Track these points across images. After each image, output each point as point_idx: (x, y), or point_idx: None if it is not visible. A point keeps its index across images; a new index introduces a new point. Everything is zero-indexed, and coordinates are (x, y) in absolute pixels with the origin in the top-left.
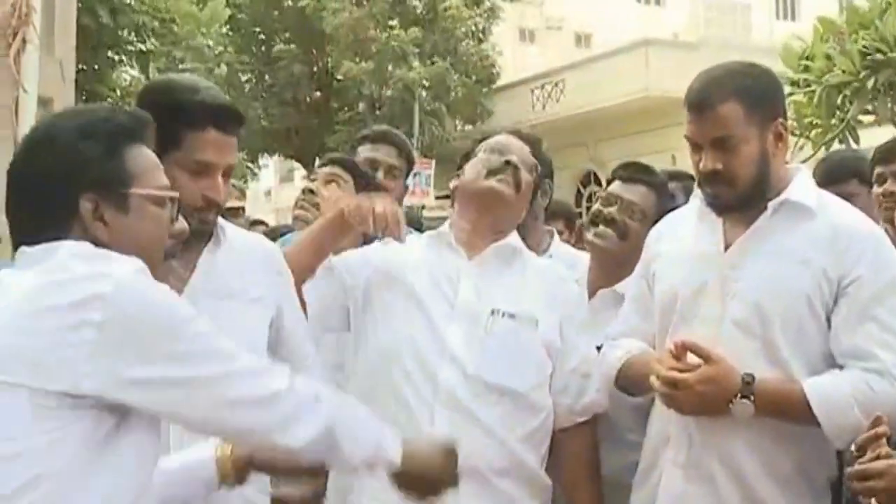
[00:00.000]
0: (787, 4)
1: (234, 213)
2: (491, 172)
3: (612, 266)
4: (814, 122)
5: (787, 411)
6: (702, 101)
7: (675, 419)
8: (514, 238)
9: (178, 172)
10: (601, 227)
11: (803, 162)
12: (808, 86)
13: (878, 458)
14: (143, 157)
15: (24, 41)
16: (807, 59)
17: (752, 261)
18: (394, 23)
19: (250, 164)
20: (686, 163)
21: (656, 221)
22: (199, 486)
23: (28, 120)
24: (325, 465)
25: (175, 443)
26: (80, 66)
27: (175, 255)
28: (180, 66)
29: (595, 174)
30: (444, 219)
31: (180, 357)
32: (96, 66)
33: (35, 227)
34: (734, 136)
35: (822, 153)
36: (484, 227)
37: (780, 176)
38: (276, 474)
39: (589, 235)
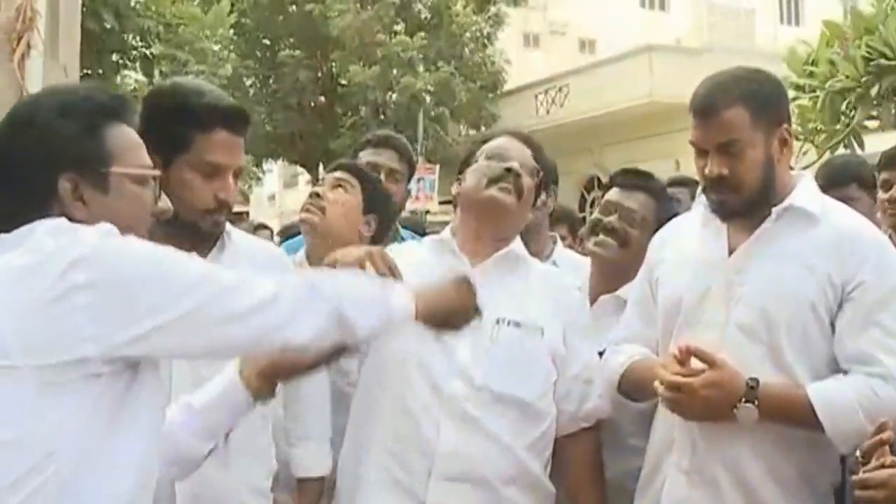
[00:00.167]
0: (791, 9)
1: (239, 218)
2: (492, 181)
3: (613, 273)
4: (818, 128)
5: (792, 416)
6: (708, 107)
7: (678, 424)
8: (517, 245)
9: (190, 174)
10: (601, 237)
11: (807, 167)
12: (813, 91)
13: (881, 466)
14: (124, 136)
15: (28, 46)
16: (812, 63)
17: (756, 266)
18: (399, 28)
19: (254, 169)
20: (690, 168)
21: (657, 226)
22: (235, 410)
23: None
24: (345, 348)
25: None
26: (84, 71)
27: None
28: (185, 70)
29: (599, 179)
30: (447, 223)
31: (173, 297)
32: (101, 71)
33: (14, 209)
34: (740, 141)
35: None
36: (487, 235)
37: (784, 182)
38: (304, 371)
39: (589, 245)
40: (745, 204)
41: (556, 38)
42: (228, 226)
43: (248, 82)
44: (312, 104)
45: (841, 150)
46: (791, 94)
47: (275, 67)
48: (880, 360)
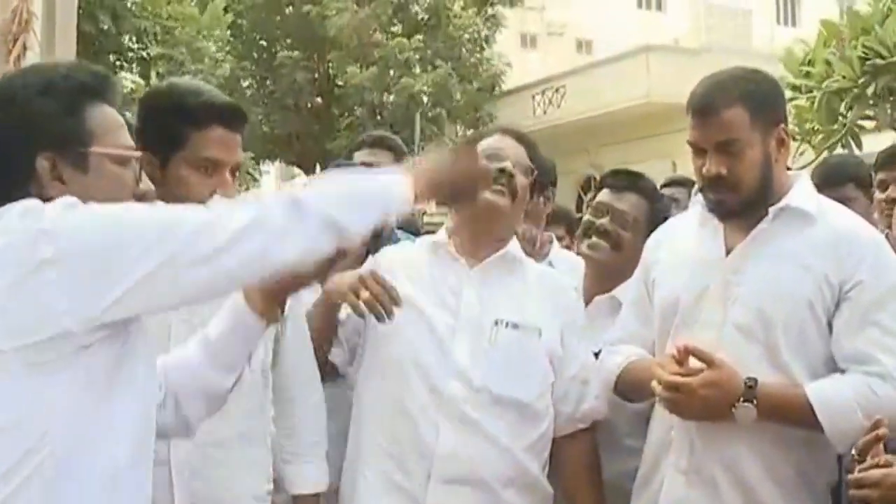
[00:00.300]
0: (788, 10)
1: None
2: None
3: (607, 274)
4: (815, 128)
5: (790, 415)
6: (707, 106)
7: (676, 424)
8: (513, 246)
9: (187, 171)
10: (594, 239)
11: (805, 167)
12: (810, 91)
13: (875, 466)
14: (105, 115)
15: (24, 48)
16: (808, 64)
17: (753, 265)
18: (396, 29)
19: (252, 170)
20: (687, 169)
21: (650, 226)
22: (248, 335)
23: None
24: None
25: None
26: None
27: None
28: (181, 71)
29: (596, 179)
30: (444, 224)
31: (143, 254)
32: None
33: None
34: (739, 141)
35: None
36: (482, 237)
37: (781, 182)
38: (308, 282)
39: (583, 248)
40: (743, 203)
41: (554, 39)
42: None
43: (245, 83)
44: (309, 105)
45: (839, 151)
46: (788, 94)
47: (272, 68)
48: (878, 359)
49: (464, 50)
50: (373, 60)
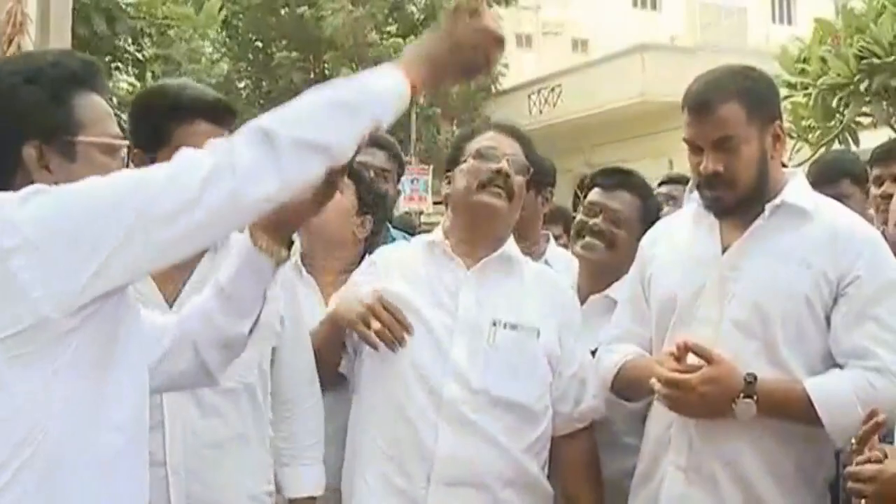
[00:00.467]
0: (783, 8)
1: None
2: (482, 185)
3: (602, 274)
4: (812, 125)
5: (790, 411)
6: (703, 103)
7: (675, 422)
8: (510, 246)
9: None
10: (588, 239)
11: (801, 164)
12: (806, 88)
13: (870, 460)
14: (93, 104)
15: (19, 49)
16: (804, 61)
17: (750, 262)
18: (392, 29)
19: None
20: (683, 167)
21: (643, 222)
22: (258, 276)
23: None
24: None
25: None
26: None
27: None
28: (177, 72)
29: None
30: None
31: (109, 223)
32: None
33: None
34: (736, 137)
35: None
36: (479, 238)
37: (777, 179)
38: (311, 212)
39: (577, 248)
40: (740, 200)
41: (549, 39)
42: None
43: (241, 84)
44: None
45: (836, 147)
46: (784, 92)
47: (268, 69)
48: (876, 353)
49: None
50: (368, 60)
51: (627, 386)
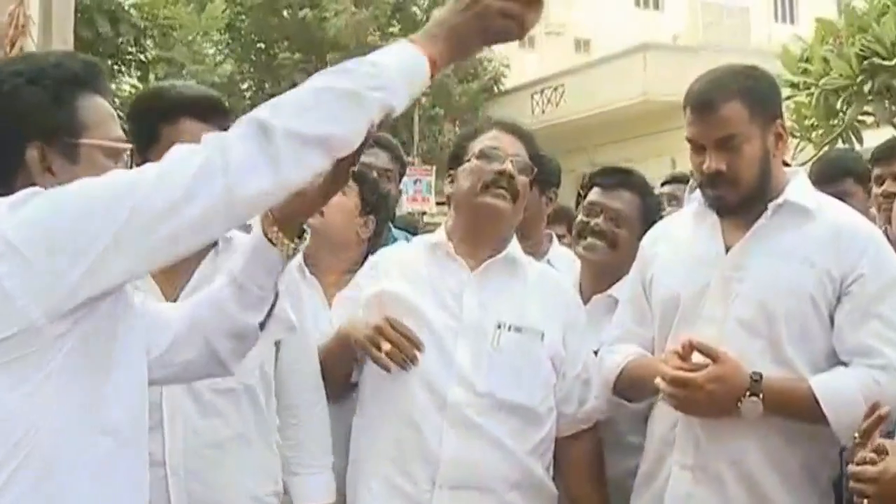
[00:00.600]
0: (785, 7)
1: None
2: (485, 186)
3: (605, 274)
4: (814, 124)
5: (796, 409)
6: (705, 102)
7: (680, 421)
8: (513, 247)
9: None
10: (590, 240)
11: (805, 164)
12: (808, 88)
13: (874, 451)
14: (96, 106)
15: (21, 51)
16: (806, 61)
17: (754, 261)
18: (394, 29)
19: None
20: (686, 166)
21: (644, 221)
22: (269, 267)
23: None
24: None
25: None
26: None
27: None
28: (180, 74)
29: None
30: None
31: (101, 223)
32: None
33: None
34: (739, 136)
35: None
36: (483, 239)
37: (779, 178)
38: (320, 202)
39: (579, 249)
40: (743, 199)
41: (552, 39)
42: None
43: (244, 86)
44: None
45: (839, 146)
46: (786, 91)
47: (271, 70)
48: (881, 351)
49: None
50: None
51: (630, 386)
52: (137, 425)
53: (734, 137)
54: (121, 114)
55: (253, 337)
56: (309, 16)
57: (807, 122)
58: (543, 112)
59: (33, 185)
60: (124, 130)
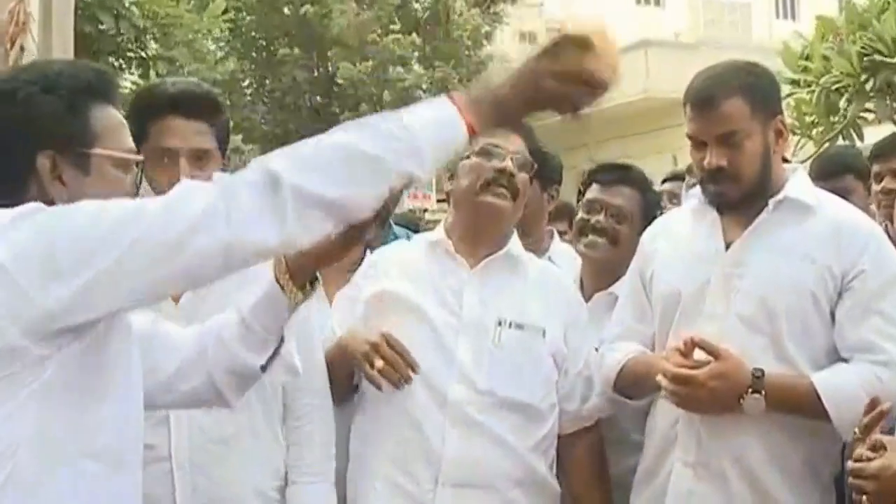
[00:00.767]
0: (786, 4)
1: None
2: (485, 184)
3: (606, 271)
4: (815, 121)
5: (798, 405)
6: (706, 98)
7: (682, 418)
8: (514, 244)
9: (150, 164)
10: (591, 237)
11: (806, 161)
12: (809, 85)
13: (873, 447)
14: (109, 117)
15: (21, 49)
16: (806, 58)
17: (755, 257)
18: (396, 27)
19: None
20: (687, 163)
21: (645, 216)
22: (278, 313)
23: None
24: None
25: None
26: None
27: None
28: (181, 71)
29: None
30: None
31: (93, 251)
32: None
33: None
34: (740, 132)
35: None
36: (483, 237)
37: (779, 174)
38: (329, 260)
39: (580, 247)
40: (744, 195)
41: (552, 36)
42: None
43: (245, 83)
44: (310, 104)
45: (840, 143)
46: (786, 88)
47: (271, 67)
48: (882, 347)
49: (464, 48)
50: (369, 57)
51: (631, 384)
52: (130, 451)
53: (735, 133)
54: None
55: (254, 377)
56: (310, 12)
57: (807, 119)
58: None
59: (43, 192)
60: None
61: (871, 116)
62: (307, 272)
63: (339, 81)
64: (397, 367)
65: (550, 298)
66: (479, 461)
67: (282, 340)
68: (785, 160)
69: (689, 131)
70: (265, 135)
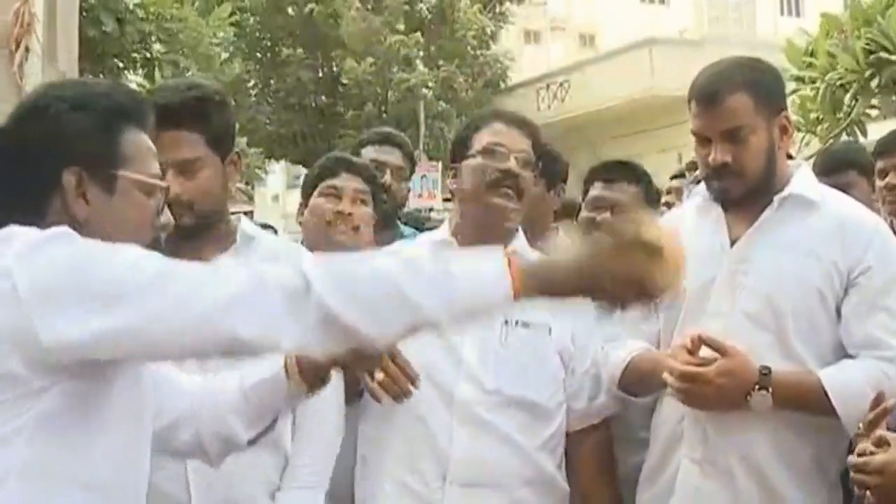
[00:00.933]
0: (791, 1)
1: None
2: (490, 186)
3: None
4: (820, 118)
5: (805, 402)
6: (711, 94)
7: (688, 415)
8: (519, 241)
9: None
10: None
11: (810, 157)
12: (814, 82)
13: (878, 442)
14: (139, 141)
15: (27, 50)
16: (811, 55)
17: (760, 254)
18: (401, 27)
19: (257, 169)
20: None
21: (649, 210)
22: (277, 399)
23: None
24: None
25: None
26: (85, 75)
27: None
28: (186, 74)
29: None
30: None
31: (107, 305)
32: (102, 75)
33: (15, 199)
34: (744, 128)
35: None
36: (489, 237)
37: (784, 170)
38: (340, 367)
39: None
40: (748, 191)
41: (557, 34)
42: (251, 227)
43: (251, 83)
44: (314, 104)
45: (843, 139)
46: (791, 85)
47: (276, 67)
48: (889, 343)
49: (468, 47)
50: (374, 56)
51: (636, 381)
52: (128, 487)
53: (740, 129)
54: None
55: (239, 447)
56: (315, 11)
57: (812, 116)
58: (549, 108)
59: (66, 208)
60: None
61: (875, 113)
62: (318, 371)
63: (344, 81)
64: (398, 380)
65: None
66: (487, 460)
67: (274, 421)
68: (789, 156)
69: (693, 127)
70: (269, 135)
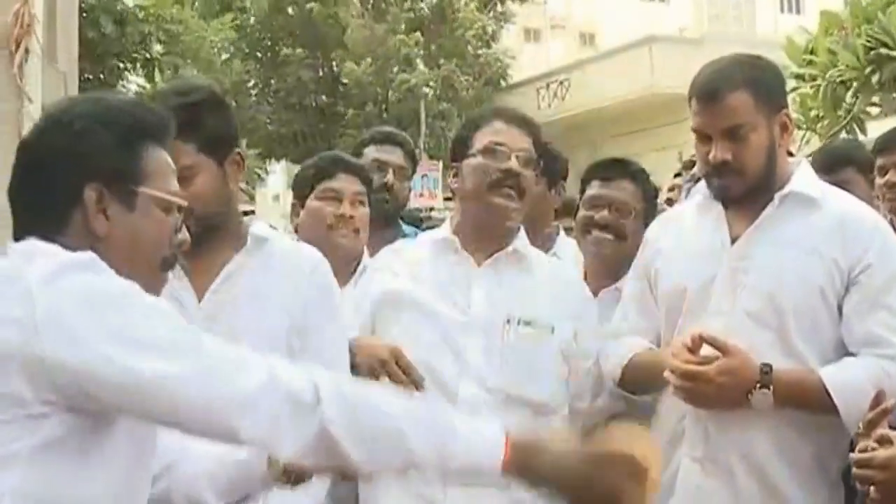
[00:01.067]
0: None
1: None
2: (492, 186)
3: (613, 266)
4: (820, 115)
5: (806, 400)
6: (712, 92)
7: (689, 414)
8: (521, 241)
9: None
10: (595, 234)
11: (811, 155)
12: (814, 79)
13: (880, 440)
14: (160, 159)
15: (26, 51)
16: (811, 52)
17: (761, 252)
18: (401, 27)
19: (258, 169)
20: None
21: (646, 209)
22: (252, 480)
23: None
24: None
25: None
26: (85, 76)
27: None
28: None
29: None
30: None
31: (126, 357)
32: (102, 76)
33: (35, 213)
34: (745, 125)
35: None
36: (490, 236)
37: (784, 168)
38: (318, 473)
39: (585, 244)
40: (749, 189)
41: (557, 33)
42: (264, 228)
43: (251, 83)
44: (314, 103)
45: (843, 136)
46: (791, 83)
47: (276, 67)
48: (890, 341)
49: (469, 46)
50: (374, 57)
51: (636, 380)
52: None
53: (740, 127)
54: None
55: None
56: (315, 11)
57: (812, 114)
58: (549, 106)
59: (86, 223)
60: None
61: (876, 111)
62: (301, 472)
63: (345, 81)
64: (402, 384)
65: (559, 295)
66: None
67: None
68: (790, 154)
69: (693, 125)
70: (270, 135)
